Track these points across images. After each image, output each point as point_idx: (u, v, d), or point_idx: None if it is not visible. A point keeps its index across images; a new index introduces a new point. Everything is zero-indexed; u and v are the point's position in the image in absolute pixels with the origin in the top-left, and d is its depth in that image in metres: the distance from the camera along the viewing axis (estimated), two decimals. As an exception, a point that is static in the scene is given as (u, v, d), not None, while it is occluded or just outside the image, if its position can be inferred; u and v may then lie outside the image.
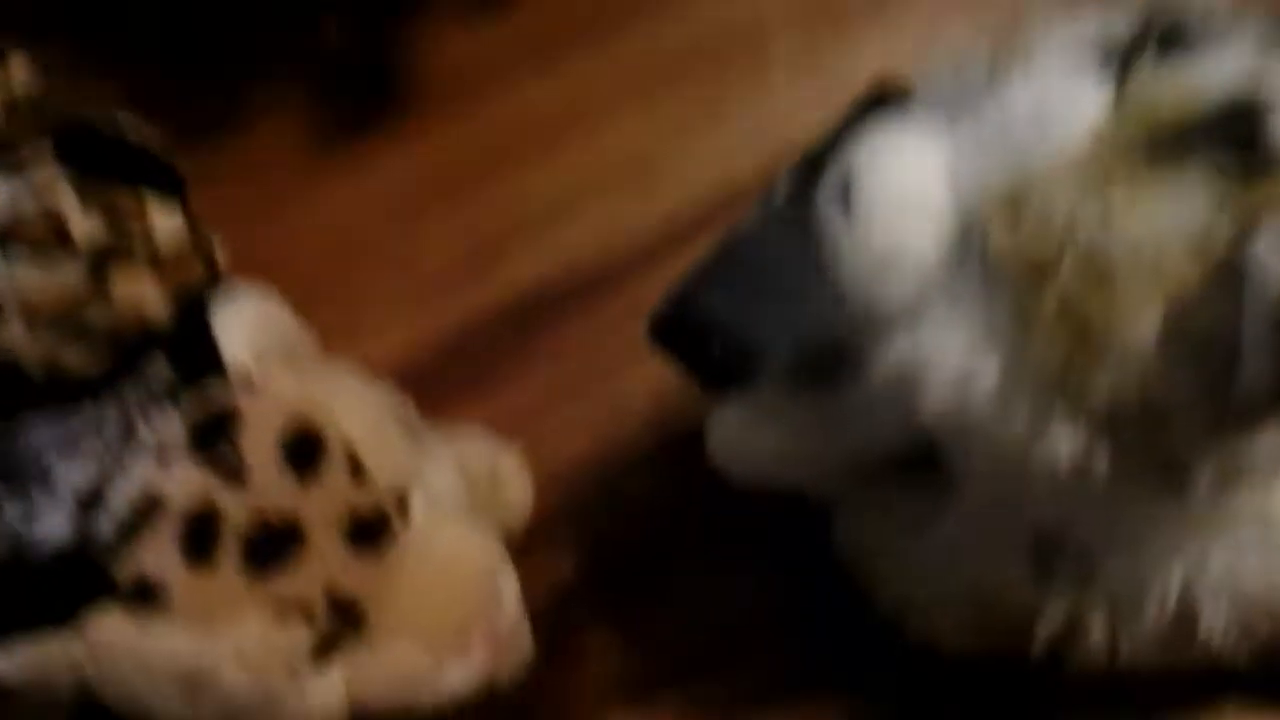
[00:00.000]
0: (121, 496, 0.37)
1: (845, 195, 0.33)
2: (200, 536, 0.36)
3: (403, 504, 0.40)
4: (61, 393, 0.46)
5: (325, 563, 0.37)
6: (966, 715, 0.48)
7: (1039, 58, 0.31)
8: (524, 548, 0.49)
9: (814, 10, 0.62)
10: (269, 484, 0.37)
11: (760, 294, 0.54)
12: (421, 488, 0.41)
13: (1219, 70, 0.29)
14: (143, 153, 0.51)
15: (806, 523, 0.47)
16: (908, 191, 0.32)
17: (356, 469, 0.38)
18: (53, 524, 0.37)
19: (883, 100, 0.56)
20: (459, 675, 0.40)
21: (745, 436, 0.47)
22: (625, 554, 0.53)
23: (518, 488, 0.51)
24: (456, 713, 0.43)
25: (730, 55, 0.61)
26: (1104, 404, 0.30)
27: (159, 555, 0.36)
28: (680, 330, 0.53)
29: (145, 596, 0.36)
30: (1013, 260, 0.30)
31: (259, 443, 0.37)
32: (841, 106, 0.55)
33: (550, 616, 0.49)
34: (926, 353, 0.32)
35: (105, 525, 0.37)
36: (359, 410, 0.40)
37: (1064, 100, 0.30)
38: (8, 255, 0.48)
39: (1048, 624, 0.40)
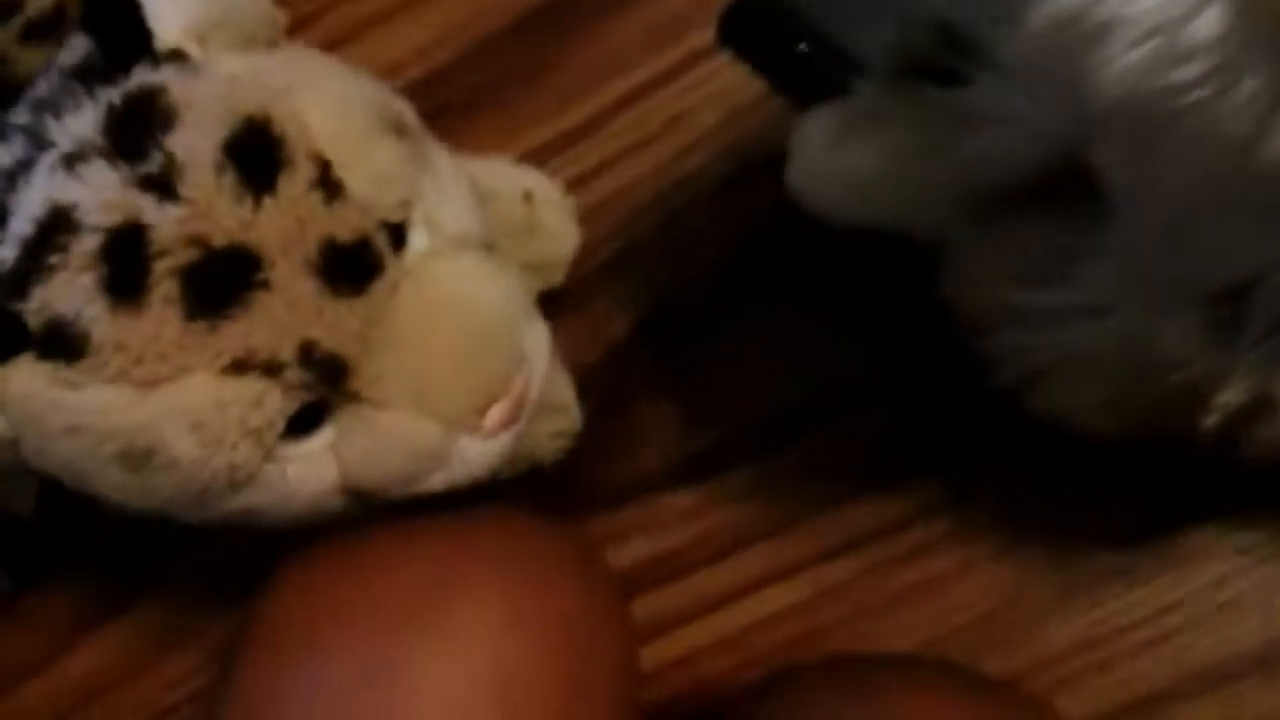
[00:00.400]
0: (23, 213, 0.29)
1: None
2: (124, 266, 0.28)
3: (395, 232, 0.31)
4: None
5: (293, 306, 0.29)
6: (1100, 512, 0.42)
7: None
8: (569, 298, 0.45)
9: None
10: (210, 197, 0.29)
11: None
12: (423, 213, 0.32)
13: None
14: None
15: (907, 269, 0.40)
16: None
17: (328, 182, 0.30)
18: None
19: None
20: (475, 450, 0.33)
21: (835, 155, 0.40)
22: (689, 305, 0.47)
23: (560, 222, 0.45)
24: (495, 487, 0.37)
25: None
26: None
27: (73, 290, 0.28)
28: (758, 23, 0.47)
29: (61, 344, 0.29)
30: None
31: (197, 142, 0.29)
32: None
33: (604, 380, 0.45)
34: (1115, -10, 0.21)
35: (6, 251, 0.29)
36: (333, 106, 0.31)
37: None
38: None
39: (1223, 401, 0.34)
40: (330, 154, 0.30)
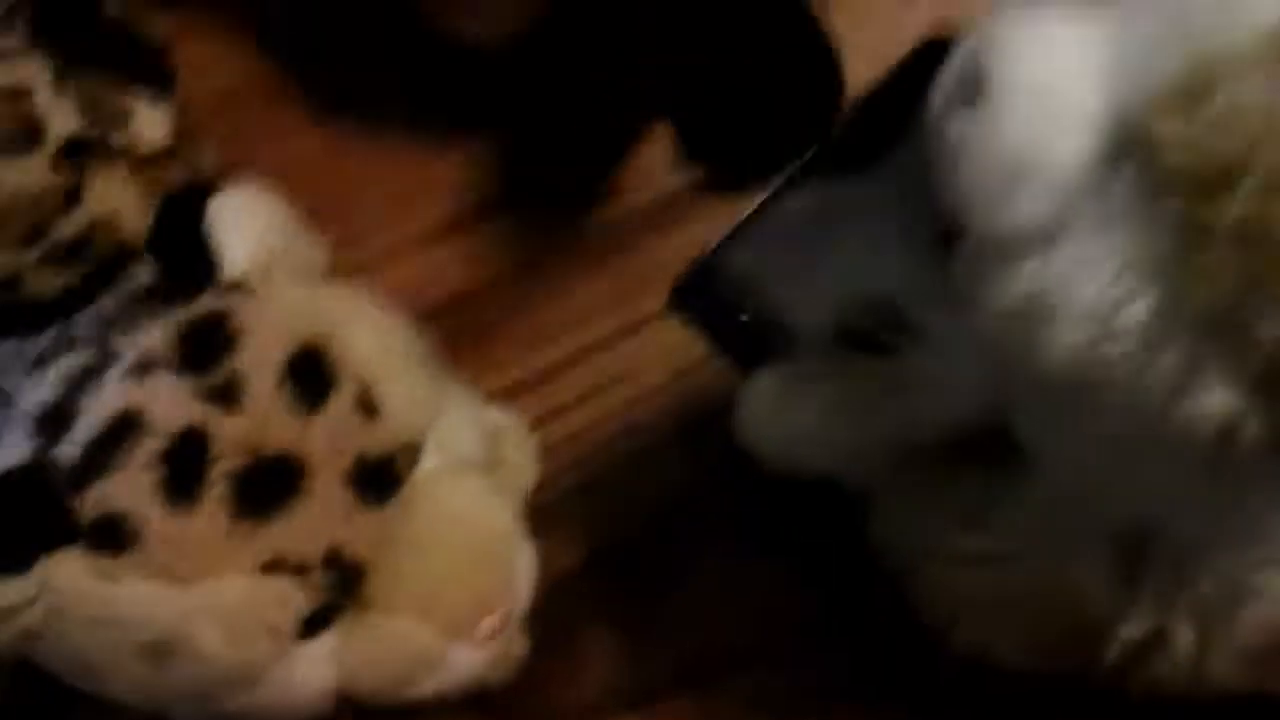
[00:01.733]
0: (91, 415, 0.32)
1: (971, 87, 0.27)
2: (184, 468, 0.31)
3: (413, 452, 0.35)
4: (19, 314, 0.41)
5: (328, 513, 0.32)
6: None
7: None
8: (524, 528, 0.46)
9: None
10: (268, 410, 0.32)
11: (794, 258, 0.52)
12: (436, 437, 0.36)
13: None
14: (132, 45, 0.46)
15: (839, 514, 0.44)
16: (1052, 84, 0.27)
17: (368, 403, 0.33)
18: (9, 447, 0.32)
19: (938, 52, 0.53)
20: (465, 659, 0.35)
21: (778, 411, 0.44)
22: (636, 543, 0.50)
23: (523, 457, 0.47)
24: (437, 705, 0.38)
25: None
26: (1270, 356, 0.26)
27: (132, 488, 0.31)
28: (706, 298, 0.52)
29: (112, 538, 0.31)
30: (1185, 164, 0.25)
31: (260, 360, 0.32)
32: (895, 57, 0.53)
33: (549, 609, 0.45)
34: (1061, 281, 0.27)
35: (69, 449, 0.32)
36: (376, 337, 0.35)
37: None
38: None
39: (1124, 635, 0.38)
40: (371, 378, 0.33)
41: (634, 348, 0.52)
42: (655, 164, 0.55)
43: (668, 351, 0.52)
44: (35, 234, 0.43)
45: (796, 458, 0.44)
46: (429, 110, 0.55)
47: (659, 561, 0.49)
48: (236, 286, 0.34)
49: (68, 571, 0.31)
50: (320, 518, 0.32)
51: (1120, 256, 0.26)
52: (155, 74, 0.47)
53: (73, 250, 0.43)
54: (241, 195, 0.37)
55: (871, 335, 0.42)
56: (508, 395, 0.50)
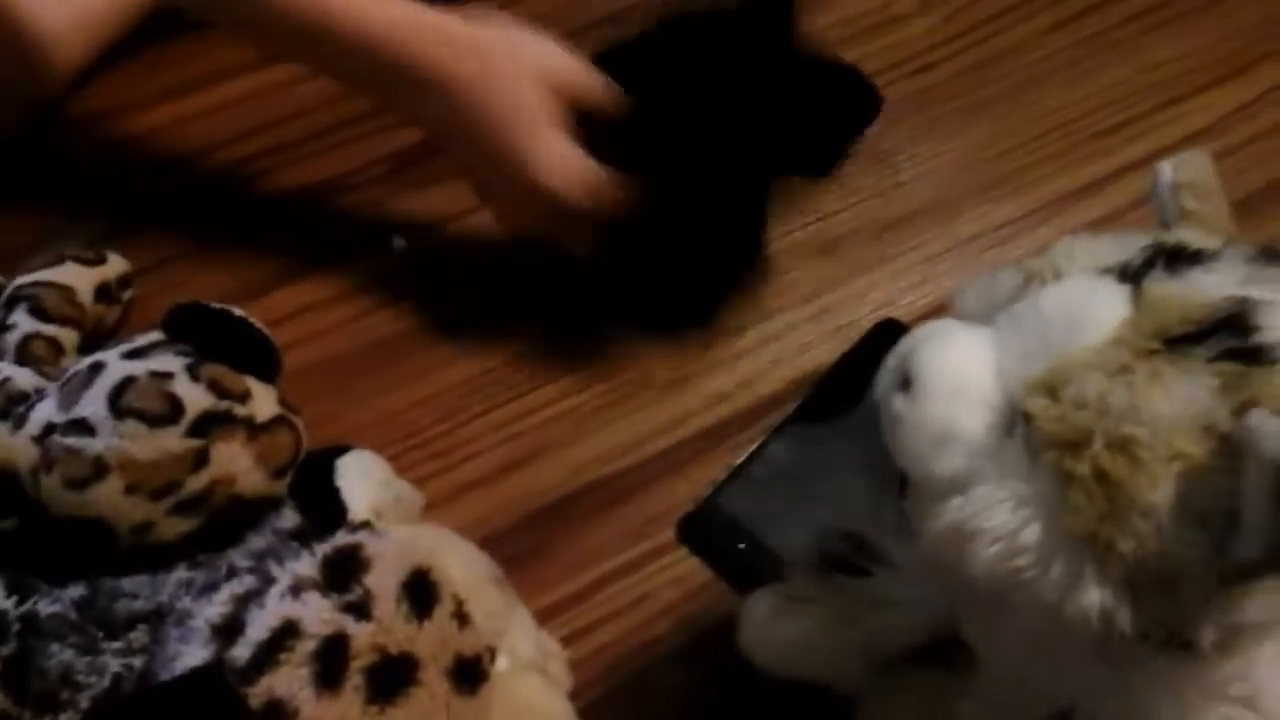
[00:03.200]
0: (259, 625, 0.41)
1: (904, 380, 0.39)
2: (330, 665, 0.40)
3: (493, 653, 0.44)
4: (148, 555, 0.50)
5: (434, 700, 0.41)
6: None
7: (1066, 271, 0.38)
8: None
9: (824, 251, 0.71)
10: (391, 619, 0.41)
11: (781, 498, 0.61)
12: (508, 643, 0.45)
13: (1218, 281, 0.36)
14: (248, 340, 0.57)
15: (833, 714, 0.50)
16: (960, 377, 0.38)
17: (461, 614, 0.43)
18: (190, 653, 0.41)
19: (886, 336, 0.65)
20: None
21: (774, 625, 0.51)
22: None
23: (559, 670, 0.54)
24: None
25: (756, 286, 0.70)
26: (1128, 564, 0.35)
27: (291, 680, 0.40)
28: (707, 532, 0.61)
29: (275, 718, 0.39)
30: (1053, 434, 0.36)
31: (384, 582, 0.42)
32: (849, 340, 0.65)
33: None
34: (977, 513, 0.37)
35: (242, 650, 0.40)
36: (464, 563, 0.45)
37: (1091, 303, 0.36)
38: (121, 423, 0.53)
39: None
40: (463, 595, 0.43)
41: (650, 574, 0.60)
42: (663, 421, 0.66)
43: (678, 577, 0.60)
44: (168, 490, 0.53)
45: (789, 665, 0.50)
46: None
47: None
48: (362, 525, 0.44)
49: None
50: (429, 703, 0.40)
51: (1017, 495, 0.37)
52: (263, 362, 0.58)
53: (195, 503, 0.53)
54: (360, 457, 0.47)
55: (847, 561, 0.50)
56: (542, 617, 0.56)
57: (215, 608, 0.42)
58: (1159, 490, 0.34)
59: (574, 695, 0.54)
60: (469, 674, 0.42)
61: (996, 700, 0.45)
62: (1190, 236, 0.38)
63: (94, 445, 0.53)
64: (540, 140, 0.60)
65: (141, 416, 0.53)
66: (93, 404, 0.54)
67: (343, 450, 0.47)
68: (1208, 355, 0.34)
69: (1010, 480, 0.37)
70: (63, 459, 0.53)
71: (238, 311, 0.58)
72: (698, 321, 0.68)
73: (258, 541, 0.45)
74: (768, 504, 0.61)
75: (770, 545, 0.60)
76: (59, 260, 0.63)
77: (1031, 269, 0.39)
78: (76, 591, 0.51)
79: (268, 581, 0.42)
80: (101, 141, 0.73)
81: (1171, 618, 0.36)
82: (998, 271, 0.41)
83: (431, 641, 0.41)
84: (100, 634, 0.48)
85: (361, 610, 0.41)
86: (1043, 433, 0.36)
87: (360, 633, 0.41)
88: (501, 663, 0.44)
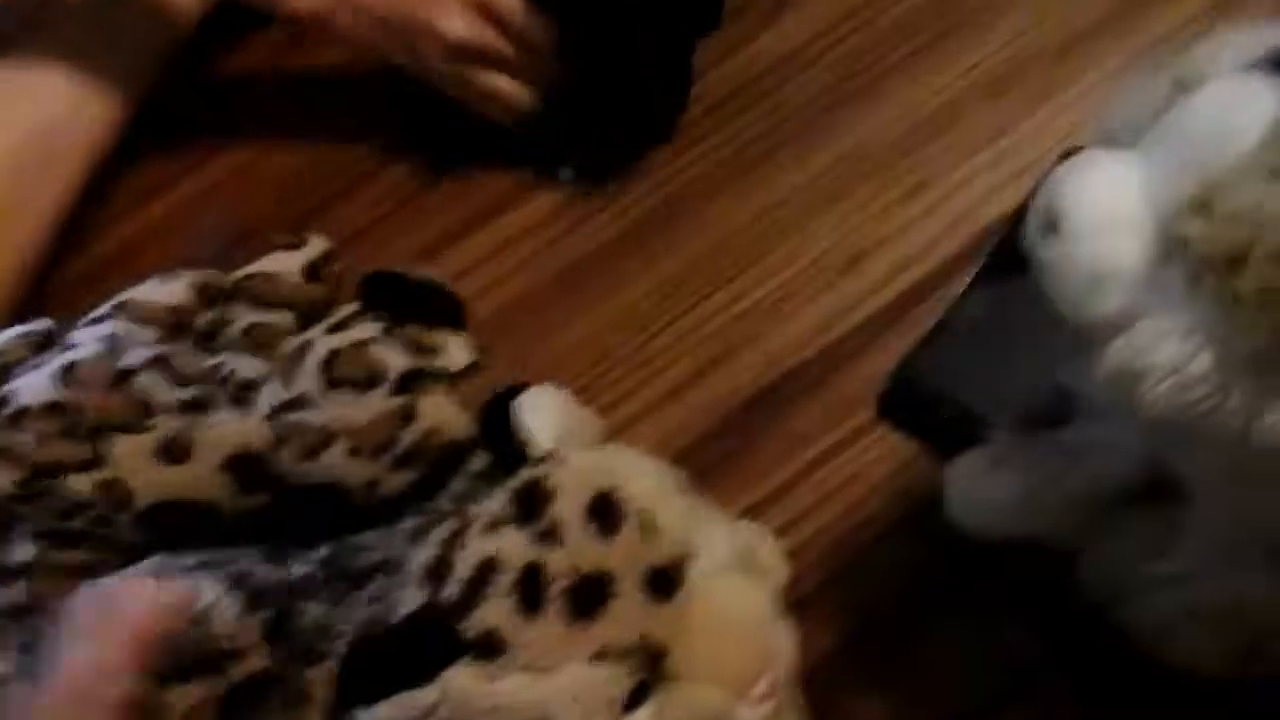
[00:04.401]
0: (463, 564, 0.43)
1: (1052, 222, 0.37)
2: (531, 590, 0.42)
3: (686, 559, 0.45)
4: (380, 509, 0.54)
5: (634, 610, 0.42)
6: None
7: (1210, 74, 0.35)
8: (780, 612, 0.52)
9: (997, 88, 0.67)
10: (580, 542, 0.43)
11: (977, 357, 0.59)
12: (700, 547, 0.45)
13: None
14: (432, 295, 0.60)
15: (1052, 569, 0.49)
16: (1109, 210, 0.36)
17: (649, 528, 0.44)
18: (407, 597, 0.44)
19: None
20: (747, 715, 0.44)
21: (980, 489, 0.50)
22: (880, 620, 0.56)
23: (774, 561, 0.54)
24: None
25: (925, 142, 0.67)
26: None
27: (498, 609, 0.42)
28: (907, 403, 0.60)
29: (490, 648, 0.42)
30: (1210, 255, 0.33)
31: (569, 508, 0.43)
32: (1035, 180, 0.61)
33: (816, 686, 0.52)
34: (1143, 350, 0.35)
35: (452, 589, 0.43)
36: (646, 479, 0.45)
37: (1238, 106, 0.33)
38: (334, 393, 0.57)
39: None
40: (648, 508, 0.44)
41: (856, 453, 0.60)
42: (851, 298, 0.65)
43: (885, 453, 0.59)
44: (385, 447, 0.56)
45: (999, 527, 0.49)
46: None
47: (904, 634, 0.55)
48: (544, 458, 0.45)
49: (461, 680, 0.42)
50: (629, 615, 0.42)
51: (1182, 326, 0.34)
52: (452, 315, 0.60)
53: (413, 455, 0.55)
54: (537, 393, 0.48)
55: (1049, 414, 0.48)
56: (755, 511, 0.58)
57: (425, 551, 0.44)
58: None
59: (794, 582, 0.54)
60: (663, 582, 0.43)
61: (1217, 534, 0.44)
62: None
63: (316, 417, 0.57)
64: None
65: (351, 384, 0.57)
66: (308, 380, 0.58)
67: (521, 388, 0.49)
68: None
69: (1173, 310, 0.35)
70: (292, 434, 0.57)
71: (420, 274, 0.61)
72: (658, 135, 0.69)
73: (457, 485, 0.48)
74: (967, 366, 0.59)
75: (974, 408, 0.58)
76: (266, 250, 0.67)
77: (1177, 75, 0.36)
78: (324, 551, 0.55)
79: (467, 523, 0.44)
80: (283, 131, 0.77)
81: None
82: (1141, 82, 0.38)
83: (622, 556, 0.43)
84: (346, 586, 0.52)
85: (551, 537, 0.43)
86: (1200, 254, 0.33)
87: (553, 558, 0.42)
88: (700, 565, 0.45)
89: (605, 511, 0.43)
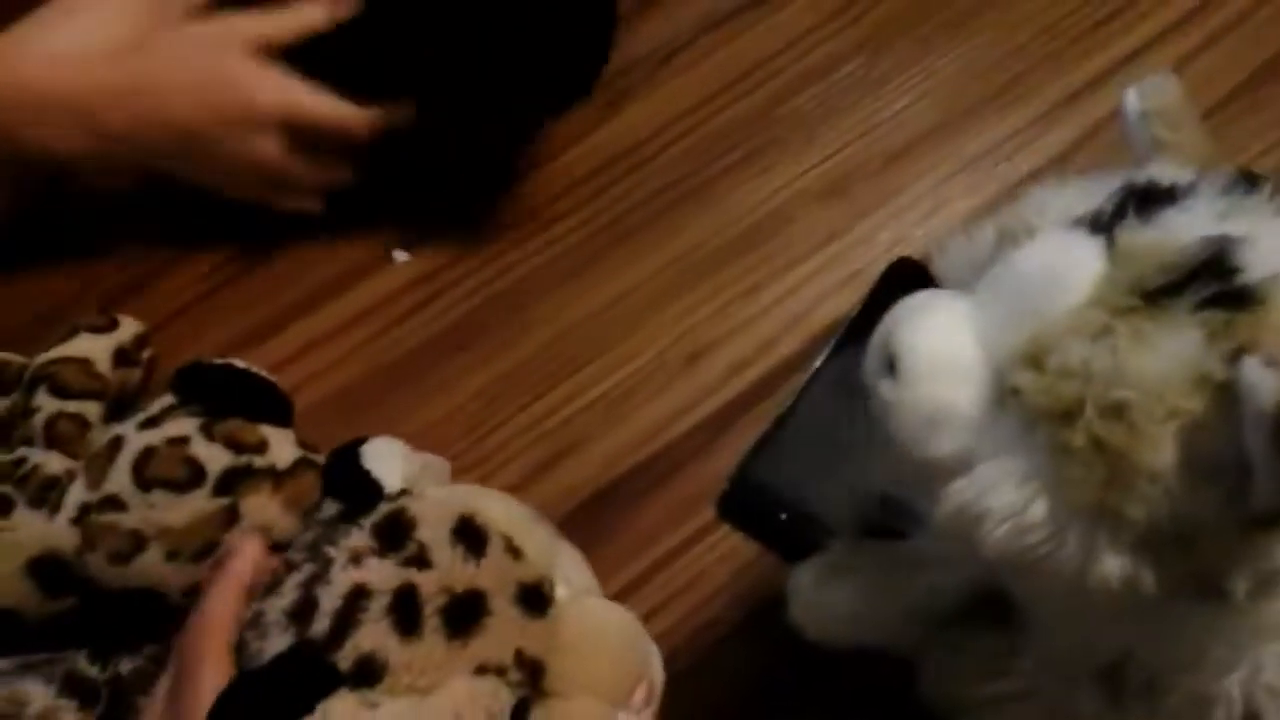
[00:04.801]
0: (329, 598, 0.43)
1: (890, 364, 0.37)
2: (407, 612, 0.42)
3: (551, 581, 0.46)
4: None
5: (508, 626, 0.43)
6: None
7: (1039, 227, 0.36)
8: None
9: (829, 193, 0.69)
10: (450, 563, 0.43)
11: (812, 462, 0.60)
12: (561, 574, 0.47)
13: (1193, 220, 0.34)
14: (256, 390, 0.58)
15: (895, 677, 0.50)
16: (945, 355, 0.36)
17: (514, 549, 0.45)
18: (271, 645, 0.42)
19: (902, 275, 0.63)
20: None
21: (821, 595, 0.50)
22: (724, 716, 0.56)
23: None
24: None
25: (760, 243, 0.68)
26: (1141, 529, 0.34)
27: (374, 633, 0.42)
28: (745, 505, 0.59)
29: (368, 674, 0.41)
30: (1043, 407, 0.34)
31: (434, 533, 0.44)
32: (866, 284, 0.63)
33: None
34: (981, 494, 0.36)
35: (321, 624, 0.42)
36: (503, 506, 0.47)
37: (1066, 262, 0.35)
38: (148, 494, 0.54)
39: None
40: (509, 533, 0.45)
41: (700, 553, 0.60)
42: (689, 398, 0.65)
43: (728, 552, 0.60)
44: (207, 550, 0.54)
45: (840, 635, 0.49)
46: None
47: None
48: (398, 495, 0.46)
49: (341, 708, 0.41)
50: (504, 631, 0.43)
51: (1019, 472, 0.35)
52: (276, 409, 0.58)
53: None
54: (380, 442, 0.49)
55: (885, 525, 0.48)
56: None
57: (284, 599, 0.43)
58: (1161, 452, 0.33)
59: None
60: (535, 599, 0.44)
61: (1052, 654, 0.44)
62: (1161, 172, 0.36)
63: (128, 520, 0.54)
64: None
65: (167, 485, 0.55)
66: (119, 479, 0.55)
67: (361, 441, 0.49)
68: (1190, 304, 0.32)
69: (1010, 456, 0.36)
70: (102, 536, 0.54)
71: (239, 363, 0.59)
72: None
73: (305, 536, 0.46)
74: (802, 471, 0.59)
75: (811, 510, 0.58)
76: (72, 333, 0.63)
77: (1005, 227, 0.38)
78: (152, 649, 0.54)
79: (327, 563, 0.44)
80: (96, 205, 0.73)
81: (1197, 573, 0.35)
82: (974, 230, 0.39)
83: (492, 575, 0.43)
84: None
85: (421, 561, 0.43)
86: (1033, 406, 0.34)
87: (426, 580, 0.42)
88: (561, 591, 0.46)
89: (470, 534, 0.44)
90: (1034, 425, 0.35)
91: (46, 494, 0.56)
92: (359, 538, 0.44)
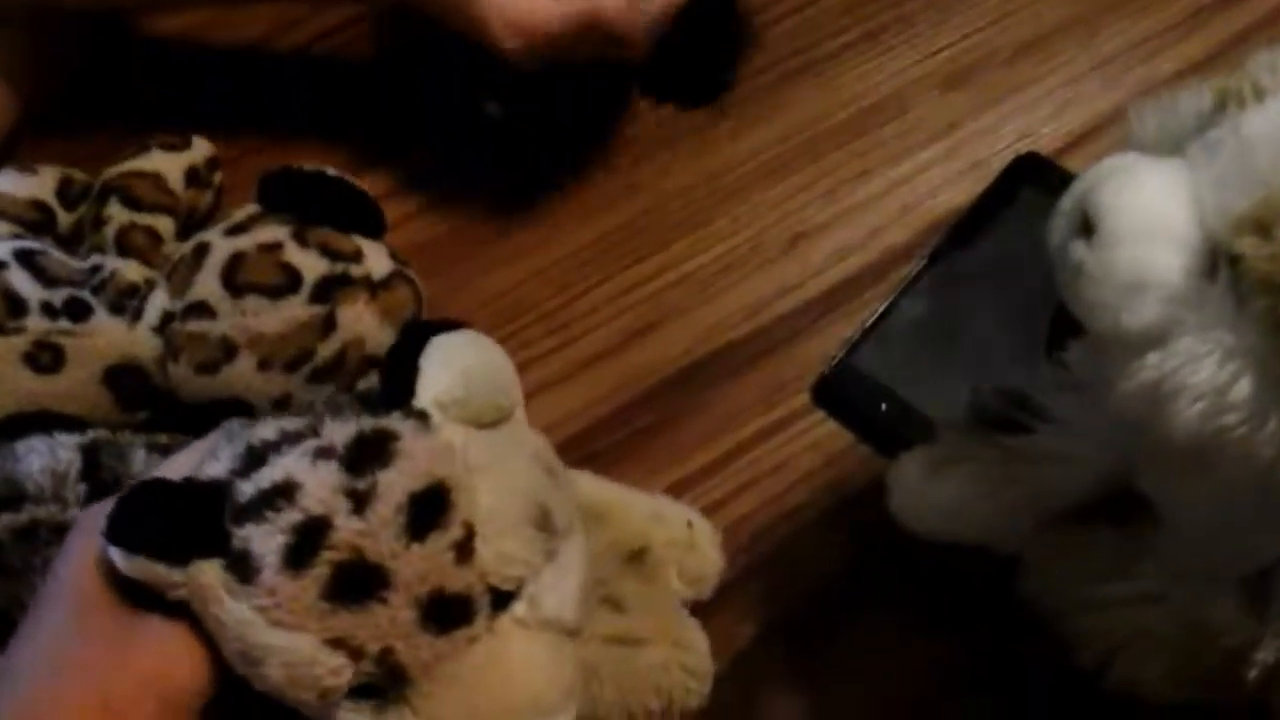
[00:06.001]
0: (269, 472, 0.38)
1: (1084, 225, 0.35)
2: (304, 544, 0.37)
3: (502, 596, 0.39)
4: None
5: (391, 624, 0.37)
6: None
7: (1270, 90, 0.33)
8: (699, 613, 0.51)
9: (953, 80, 0.65)
10: (379, 527, 0.37)
11: (920, 355, 0.58)
12: (530, 591, 0.40)
13: None
14: (348, 199, 0.55)
15: (991, 576, 0.48)
16: (1152, 217, 0.34)
17: (464, 547, 0.38)
18: (218, 464, 0.39)
19: (1028, 171, 0.60)
20: None
21: (927, 488, 0.48)
22: (804, 618, 0.54)
23: (711, 554, 0.52)
24: None
25: (874, 128, 0.65)
26: None
27: (266, 541, 0.37)
28: (845, 394, 0.58)
29: (241, 569, 0.37)
30: (1266, 276, 0.31)
31: (395, 484, 0.38)
32: (985, 178, 0.60)
33: (731, 679, 0.51)
34: (1179, 369, 0.33)
35: (247, 487, 0.38)
36: (499, 492, 0.39)
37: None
38: (240, 300, 0.51)
39: (1259, 661, 0.41)
40: (478, 527, 0.38)
41: (785, 440, 0.58)
42: (789, 279, 0.62)
43: (816, 442, 0.57)
44: (301, 359, 0.51)
45: (945, 530, 0.48)
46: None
47: (826, 631, 0.53)
48: (417, 415, 0.40)
49: (208, 577, 0.37)
50: (384, 625, 0.37)
51: (1223, 347, 0.33)
52: (369, 220, 0.55)
53: (330, 369, 0.52)
54: (460, 338, 0.42)
55: (1003, 418, 0.46)
56: (674, 492, 0.55)
57: (260, 432, 0.40)
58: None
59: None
60: (444, 612, 0.38)
61: (1188, 559, 0.42)
62: None
63: (217, 327, 0.52)
64: None
65: (260, 290, 0.52)
66: (207, 285, 0.52)
67: (453, 327, 0.42)
68: None
69: (1215, 330, 0.33)
70: (188, 345, 0.52)
71: (331, 171, 0.56)
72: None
73: (325, 392, 0.43)
74: (907, 360, 0.58)
75: (914, 404, 0.57)
76: (144, 149, 0.60)
77: (1227, 89, 0.34)
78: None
79: (312, 432, 0.39)
80: (173, 40, 0.70)
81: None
82: (1178, 93, 0.36)
83: (414, 564, 0.37)
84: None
85: (360, 503, 0.37)
86: (1254, 276, 0.32)
87: (345, 526, 0.37)
88: (516, 610, 0.39)
89: (427, 508, 0.38)
90: (1249, 297, 0.32)
91: (126, 301, 0.54)
92: (342, 433, 0.39)
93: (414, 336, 0.42)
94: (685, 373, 0.60)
